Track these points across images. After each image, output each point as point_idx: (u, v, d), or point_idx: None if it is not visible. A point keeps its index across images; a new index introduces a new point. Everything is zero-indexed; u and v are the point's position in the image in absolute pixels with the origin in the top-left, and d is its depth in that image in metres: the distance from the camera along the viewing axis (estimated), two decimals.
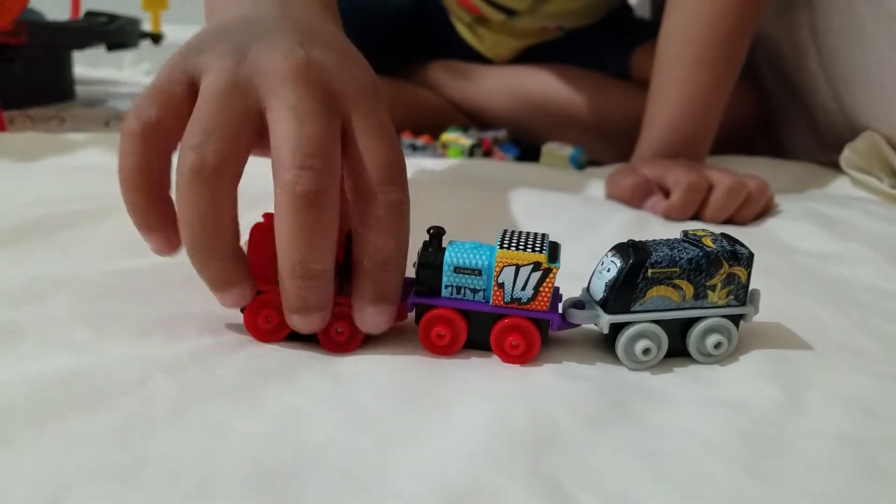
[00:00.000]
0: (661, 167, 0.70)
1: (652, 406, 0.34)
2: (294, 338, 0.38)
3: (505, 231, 0.39)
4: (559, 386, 0.36)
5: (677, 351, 0.39)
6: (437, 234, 0.39)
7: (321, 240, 0.34)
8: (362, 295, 0.36)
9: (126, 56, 1.70)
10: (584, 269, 0.41)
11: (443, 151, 0.93)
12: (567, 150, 0.90)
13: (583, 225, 0.62)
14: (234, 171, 0.35)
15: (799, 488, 0.29)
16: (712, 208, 0.65)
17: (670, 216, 0.66)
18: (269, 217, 0.38)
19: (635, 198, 0.69)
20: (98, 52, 1.31)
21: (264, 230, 0.37)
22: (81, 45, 1.24)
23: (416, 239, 0.38)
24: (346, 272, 0.38)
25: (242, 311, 0.38)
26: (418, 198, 0.66)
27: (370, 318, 0.36)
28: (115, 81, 1.55)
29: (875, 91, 0.81)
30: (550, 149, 0.91)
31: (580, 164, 0.89)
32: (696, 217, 0.66)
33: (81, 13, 1.35)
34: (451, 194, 0.67)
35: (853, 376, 0.38)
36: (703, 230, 0.40)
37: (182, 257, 0.49)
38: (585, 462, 0.30)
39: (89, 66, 1.60)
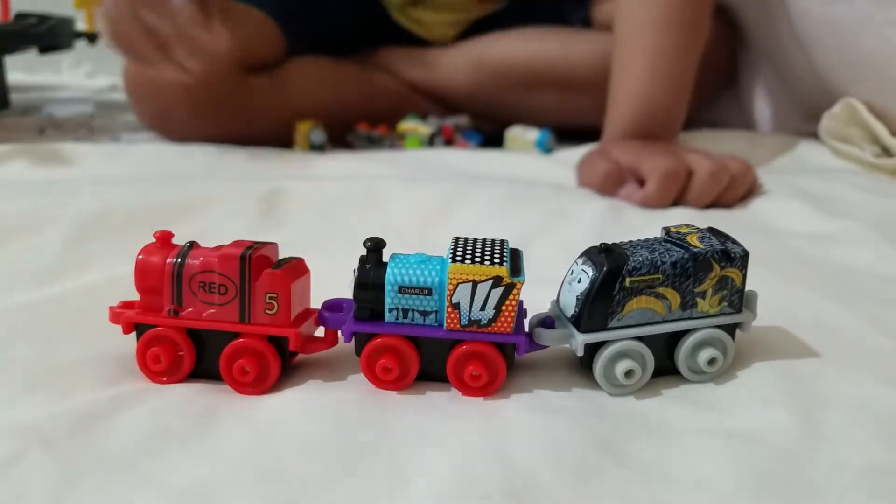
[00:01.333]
0: (633, 151, 0.63)
1: (645, 443, 0.29)
2: (200, 379, 0.33)
3: (457, 239, 0.33)
4: (532, 424, 0.30)
5: (664, 369, 0.33)
6: (375, 247, 0.32)
7: None
8: None
9: (64, 59, 1.60)
10: (557, 270, 0.35)
11: (400, 142, 0.87)
12: (532, 134, 0.84)
13: (554, 217, 0.56)
14: None
15: None
16: (695, 193, 0.59)
17: (647, 206, 0.60)
18: (159, 236, 0.33)
19: (608, 186, 0.63)
20: (32, 57, 1.22)
21: (152, 253, 0.33)
22: (11, 49, 1.16)
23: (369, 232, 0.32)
24: (245, 300, 0.32)
25: None
26: (370, 198, 0.61)
27: None
28: (54, 87, 1.45)
29: (850, 53, 0.76)
30: (515, 134, 0.85)
31: (547, 148, 0.83)
32: (676, 203, 0.61)
33: (11, 16, 1.27)
34: (407, 191, 0.61)
35: (873, 386, 0.32)
36: (687, 226, 0.35)
37: (85, 285, 0.43)
38: None
39: (25, 72, 1.51)
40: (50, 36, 1.18)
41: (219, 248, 0.33)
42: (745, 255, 0.33)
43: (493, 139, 0.89)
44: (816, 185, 0.62)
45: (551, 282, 0.35)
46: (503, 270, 0.31)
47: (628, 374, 0.32)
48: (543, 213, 0.57)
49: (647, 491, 0.26)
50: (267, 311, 0.32)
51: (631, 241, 0.33)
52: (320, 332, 0.34)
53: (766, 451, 0.28)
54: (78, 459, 0.27)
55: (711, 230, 0.34)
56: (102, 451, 0.28)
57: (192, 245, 0.33)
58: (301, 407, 0.31)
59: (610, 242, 0.33)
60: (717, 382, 0.33)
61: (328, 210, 0.57)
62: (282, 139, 0.81)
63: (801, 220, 0.55)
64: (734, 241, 0.33)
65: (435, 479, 0.26)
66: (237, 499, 0.25)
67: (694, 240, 0.33)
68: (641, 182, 0.61)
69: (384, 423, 0.30)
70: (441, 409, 0.31)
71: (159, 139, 0.84)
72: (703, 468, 0.27)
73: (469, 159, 0.77)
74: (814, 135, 0.80)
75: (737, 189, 0.61)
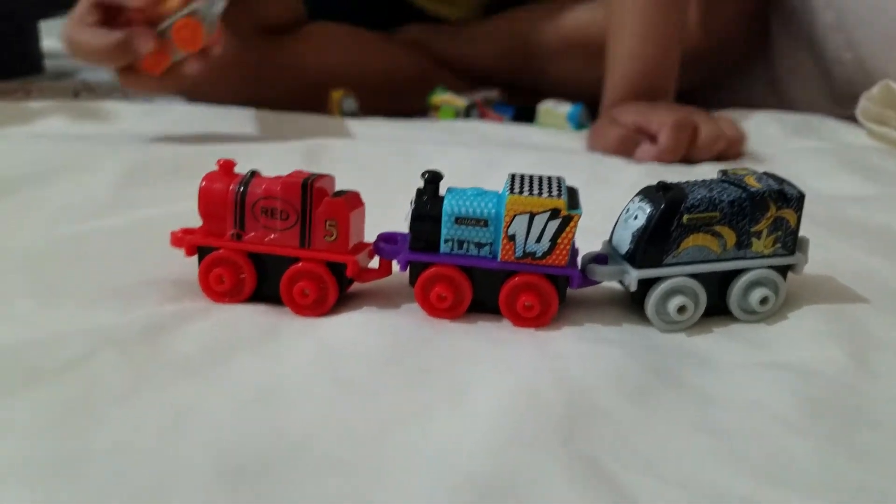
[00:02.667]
0: (639, 112, 0.66)
1: (701, 372, 0.29)
2: (260, 301, 0.34)
3: (513, 175, 0.33)
4: (586, 352, 0.30)
5: (714, 309, 0.33)
6: (432, 179, 0.33)
7: None
8: None
9: None
10: (600, 225, 0.36)
11: (434, 113, 0.87)
12: (565, 108, 0.84)
13: (592, 182, 0.56)
14: None
15: (892, 461, 0.24)
16: (704, 142, 0.62)
17: (663, 159, 0.62)
18: (222, 164, 0.34)
19: (624, 149, 0.64)
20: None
21: (215, 180, 0.33)
22: (45, 15, 1.17)
23: (411, 186, 0.33)
24: (305, 226, 0.33)
25: None
26: (409, 156, 0.61)
27: None
28: None
29: (893, 34, 0.76)
30: (548, 108, 0.85)
31: (579, 123, 0.83)
32: (685, 159, 0.63)
33: None
34: (445, 154, 0.61)
35: None
36: (744, 168, 0.35)
37: (139, 219, 0.43)
38: (632, 441, 0.24)
39: (59, 38, 1.52)
40: None
41: (278, 177, 0.33)
42: (801, 196, 0.33)
43: (524, 113, 0.89)
44: (854, 156, 0.62)
45: (596, 234, 0.35)
46: (561, 203, 0.31)
47: (681, 310, 0.32)
48: (581, 177, 0.57)
49: (701, 411, 0.26)
50: (326, 238, 0.33)
51: (689, 181, 0.34)
52: (374, 264, 0.35)
53: (818, 382, 0.28)
54: (147, 361, 0.28)
55: (767, 173, 0.34)
56: (170, 355, 0.28)
57: (254, 173, 0.34)
58: (360, 328, 0.32)
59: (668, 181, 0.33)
60: (767, 323, 0.33)
61: (368, 164, 0.57)
62: (306, 106, 0.81)
63: (842, 184, 0.55)
64: (790, 184, 0.33)
65: (496, 393, 0.27)
66: (305, 401, 0.26)
67: (751, 180, 0.33)
68: (652, 139, 0.63)
69: (441, 345, 0.30)
70: (495, 336, 0.32)
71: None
72: (756, 393, 0.27)
73: (504, 131, 0.77)
74: (849, 119, 0.80)
75: (731, 151, 0.64)
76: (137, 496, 0.21)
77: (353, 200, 0.34)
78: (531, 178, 0.33)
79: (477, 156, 0.61)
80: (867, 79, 0.79)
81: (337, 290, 0.33)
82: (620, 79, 0.70)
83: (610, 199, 0.53)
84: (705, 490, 0.22)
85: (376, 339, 0.31)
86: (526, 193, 0.32)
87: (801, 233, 0.34)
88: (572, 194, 0.33)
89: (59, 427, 0.24)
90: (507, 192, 0.32)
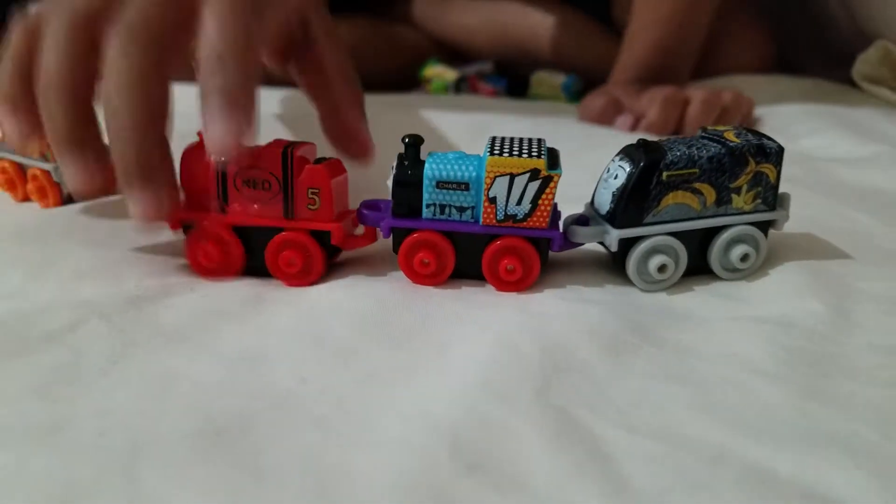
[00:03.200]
0: (633, 89, 0.68)
1: (680, 328, 0.29)
2: (249, 275, 0.34)
3: (494, 138, 0.34)
4: (567, 311, 0.30)
5: (695, 268, 0.34)
6: (413, 142, 0.33)
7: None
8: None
9: None
10: (585, 190, 0.36)
11: (426, 87, 0.87)
12: (559, 78, 0.83)
13: (583, 147, 0.56)
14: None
15: (866, 408, 0.24)
16: (691, 118, 0.62)
17: (650, 131, 0.63)
18: (202, 134, 0.33)
19: (604, 117, 0.66)
20: None
21: (198, 150, 0.33)
22: None
23: (392, 151, 0.33)
24: (288, 195, 0.33)
25: None
26: (398, 125, 0.61)
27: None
28: None
29: None
30: (541, 77, 0.84)
31: (574, 93, 0.83)
32: (676, 132, 0.63)
33: None
34: (435, 120, 0.61)
35: None
36: (724, 125, 0.35)
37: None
38: (607, 392, 0.25)
39: None
40: None
41: (258, 147, 0.33)
42: (781, 150, 0.33)
43: (517, 84, 0.89)
44: (848, 115, 0.62)
45: (581, 200, 0.35)
46: (541, 163, 0.31)
47: (661, 269, 0.32)
48: (573, 142, 0.57)
49: (681, 363, 0.27)
50: (309, 207, 0.33)
51: (668, 138, 0.34)
52: (360, 232, 0.35)
53: (797, 333, 0.28)
54: (134, 329, 0.28)
55: (748, 128, 0.34)
56: (157, 323, 0.29)
57: None
58: (346, 293, 0.32)
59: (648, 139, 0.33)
60: (749, 279, 0.33)
61: None
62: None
63: (834, 145, 0.55)
64: (769, 138, 0.33)
65: (474, 350, 0.27)
66: (290, 361, 0.26)
67: (731, 136, 0.33)
68: (640, 117, 0.64)
69: (425, 308, 0.31)
70: (478, 299, 0.32)
71: None
72: (735, 346, 0.28)
73: (496, 104, 0.77)
74: (845, 81, 0.79)
75: (730, 118, 0.63)
76: (120, 456, 0.21)
77: (335, 167, 0.34)
78: (511, 139, 0.33)
79: (468, 121, 0.61)
80: (863, 40, 0.78)
81: (323, 258, 0.33)
82: (634, 63, 0.71)
83: (599, 160, 0.53)
84: (678, 438, 0.22)
85: (359, 303, 0.31)
86: (506, 155, 0.32)
87: (790, 191, 0.34)
88: (553, 155, 0.33)
89: (45, 394, 0.24)
90: (488, 154, 0.32)
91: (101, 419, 0.23)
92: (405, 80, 0.90)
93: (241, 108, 0.28)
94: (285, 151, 0.32)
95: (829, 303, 0.31)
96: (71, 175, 0.30)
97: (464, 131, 0.59)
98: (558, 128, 0.64)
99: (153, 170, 0.29)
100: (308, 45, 0.38)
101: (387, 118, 0.59)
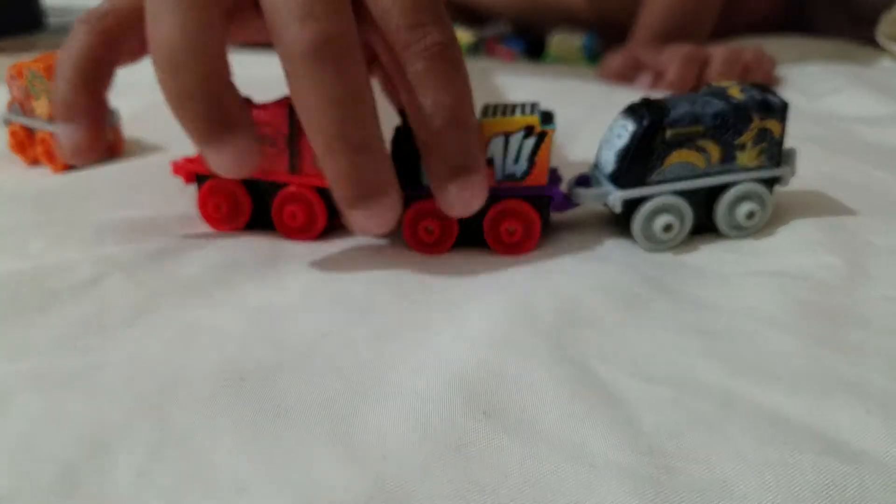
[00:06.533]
0: (653, 50, 0.67)
1: (694, 282, 0.29)
2: (259, 228, 0.34)
3: (486, 105, 0.34)
4: (577, 268, 0.31)
5: (700, 227, 0.33)
6: None
7: (350, 102, 0.26)
8: (437, 174, 0.29)
9: None
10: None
11: None
12: (578, 40, 0.82)
13: (600, 108, 0.56)
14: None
15: (880, 357, 0.24)
16: (712, 77, 0.62)
17: (670, 90, 0.62)
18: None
19: (624, 75, 0.67)
20: None
21: None
22: None
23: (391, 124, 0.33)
24: (293, 151, 0.33)
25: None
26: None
27: (455, 198, 0.29)
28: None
29: None
30: (560, 38, 0.83)
31: (594, 54, 0.82)
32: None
33: None
34: None
35: None
36: (728, 81, 0.35)
37: (149, 155, 0.44)
38: (621, 344, 0.25)
39: None
40: None
41: (266, 103, 0.34)
42: (785, 105, 0.32)
43: (536, 46, 0.88)
44: (870, 75, 0.61)
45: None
46: (534, 119, 0.31)
47: (667, 228, 0.32)
48: (591, 101, 0.57)
49: (694, 315, 0.27)
50: (314, 163, 0.33)
51: (671, 96, 0.33)
52: None
53: (811, 285, 0.28)
54: (155, 283, 0.29)
55: (753, 83, 0.34)
56: (177, 277, 0.29)
57: (246, 101, 0.34)
58: (360, 253, 0.32)
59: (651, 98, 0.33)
60: (764, 235, 0.33)
61: None
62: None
63: (856, 104, 0.54)
64: (773, 93, 0.33)
65: (489, 306, 0.28)
66: (306, 317, 0.27)
67: (735, 91, 0.33)
68: (660, 75, 0.64)
69: (437, 266, 0.31)
70: (486, 261, 0.32)
71: None
72: (749, 298, 0.28)
73: (513, 69, 0.77)
74: (869, 41, 0.78)
75: (751, 77, 0.62)
76: (146, 399, 0.22)
77: None
78: (504, 105, 0.34)
79: (485, 86, 0.60)
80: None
81: (326, 214, 0.34)
82: (654, 21, 0.71)
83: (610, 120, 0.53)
84: (691, 386, 0.23)
85: (374, 262, 0.31)
86: (499, 115, 0.32)
87: (810, 149, 0.33)
88: (546, 115, 0.33)
89: (73, 344, 0.25)
90: (480, 118, 0.32)
91: (129, 365, 0.24)
92: None
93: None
94: (291, 107, 0.33)
95: (844, 256, 0.30)
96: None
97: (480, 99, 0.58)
98: (576, 88, 0.63)
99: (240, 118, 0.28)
100: None
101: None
